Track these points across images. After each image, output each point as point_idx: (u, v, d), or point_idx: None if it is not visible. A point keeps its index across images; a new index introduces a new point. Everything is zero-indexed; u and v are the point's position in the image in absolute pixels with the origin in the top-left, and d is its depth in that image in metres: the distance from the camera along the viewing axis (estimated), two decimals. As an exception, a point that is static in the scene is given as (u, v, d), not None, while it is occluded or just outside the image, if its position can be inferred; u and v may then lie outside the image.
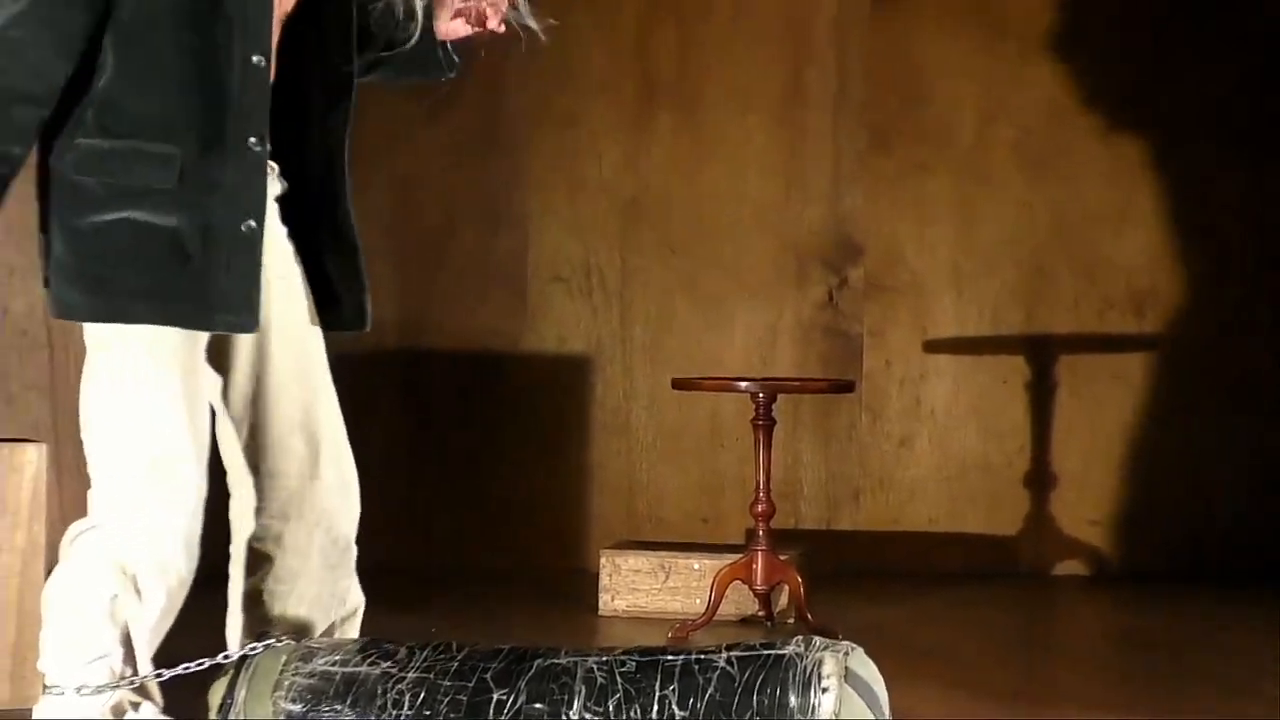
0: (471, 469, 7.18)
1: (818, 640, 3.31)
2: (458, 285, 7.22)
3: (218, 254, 3.35)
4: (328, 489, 3.59)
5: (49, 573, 4.30)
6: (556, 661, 3.32)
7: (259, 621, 3.60)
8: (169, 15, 3.33)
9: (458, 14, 3.62)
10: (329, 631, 3.63)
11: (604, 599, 6.12)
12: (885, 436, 7.26)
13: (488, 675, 3.32)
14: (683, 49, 7.27)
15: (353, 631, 3.69)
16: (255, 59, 3.39)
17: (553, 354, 7.25)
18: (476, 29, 3.63)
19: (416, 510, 7.09)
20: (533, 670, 3.32)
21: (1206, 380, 7.23)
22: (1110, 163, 7.25)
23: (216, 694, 3.40)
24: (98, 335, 3.44)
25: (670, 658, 3.31)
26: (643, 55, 7.27)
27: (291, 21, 3.48)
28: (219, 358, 3.53)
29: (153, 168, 3.32)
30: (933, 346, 7.25)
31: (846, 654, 3.27)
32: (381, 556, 7.05)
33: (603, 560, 6.17)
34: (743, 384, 5.78)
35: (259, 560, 3.60)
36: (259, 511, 3.59)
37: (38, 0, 3.26)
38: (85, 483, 6.44)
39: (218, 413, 3.57)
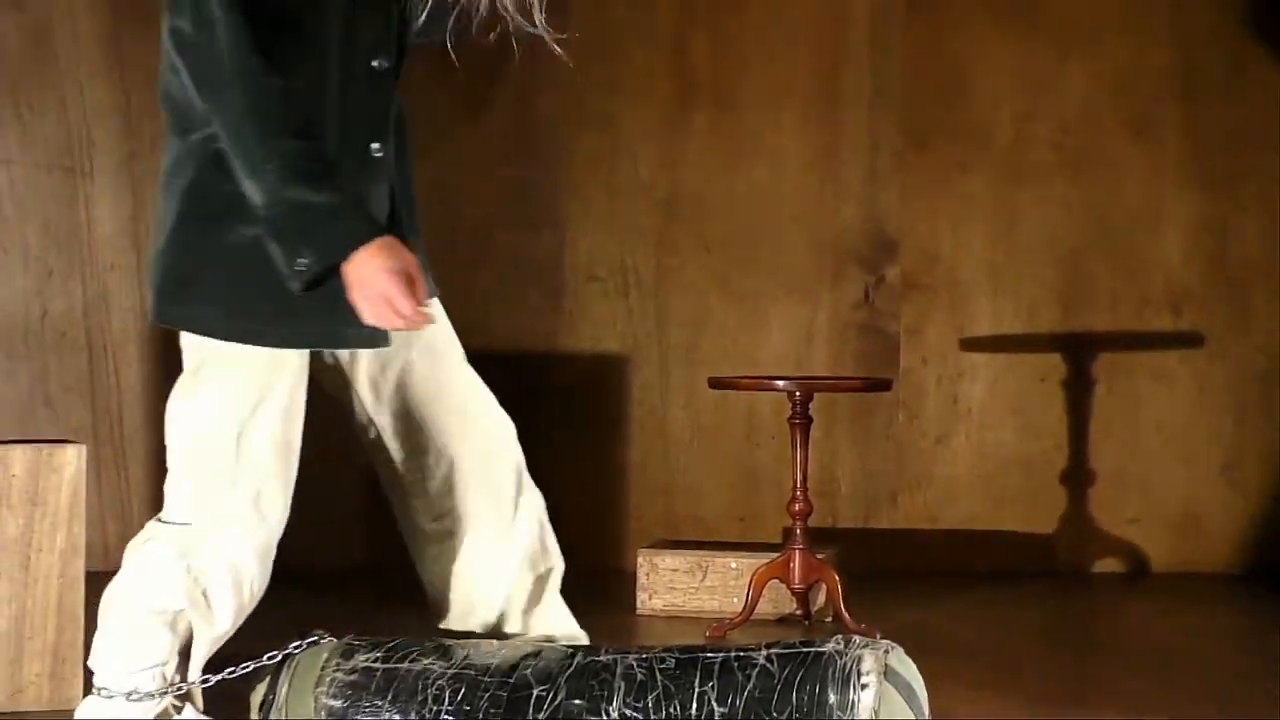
0: (508, 469, 7.19)
1: (857, 638, 3.31)
2: (494, 286, 7.22)
3: None
4: (477, 452, 3.58)
5: (88, 573, 4.32)
6: (596, 658, 3.32)
7: (447, 602, 3.59)
8: (296, 22, 3.26)
9: None
10: (526, 595, 3.62)
11: (641, 598, 6.12)
12: (922, 435, 7.25)
13: (528, 672, 3.32)
14: (718, 48, 7.26)
15: (553, 594, 3.67)
16: (376, 63, 3.34)
17: (589, 354, 7.25)
18: None
19: (454, 510, 7.09)
20: (572, 667, 3.32)
21: (1246, 379, 7.20)
22: (1148, 160, 7.23)
23: (259, 692, 3.41)
24: (203, 346, 3.37)
25: (709, 655, 3.31)
26: (678, 55, 7.26)
27: None
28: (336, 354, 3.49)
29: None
30: (970, 345, 7.24)
31: (886, 652, 3.27)
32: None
33: (640, 559, 6.17)
34: (780, 383, 5.77)
35: (430, 540, 3.59)
36: (419, 492, 3.57)
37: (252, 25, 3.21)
38: (124, 484, 6.43)
39: (356, 408, 3.54)
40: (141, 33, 7.00)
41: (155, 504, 6.71)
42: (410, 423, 3.56)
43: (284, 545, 3.58)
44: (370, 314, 3.23)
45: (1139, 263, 7.23)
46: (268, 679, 3.39)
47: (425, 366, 3.57)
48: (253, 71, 3.18)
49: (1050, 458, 7.22)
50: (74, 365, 6.98)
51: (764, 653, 3.29)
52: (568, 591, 6.68)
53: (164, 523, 3.45)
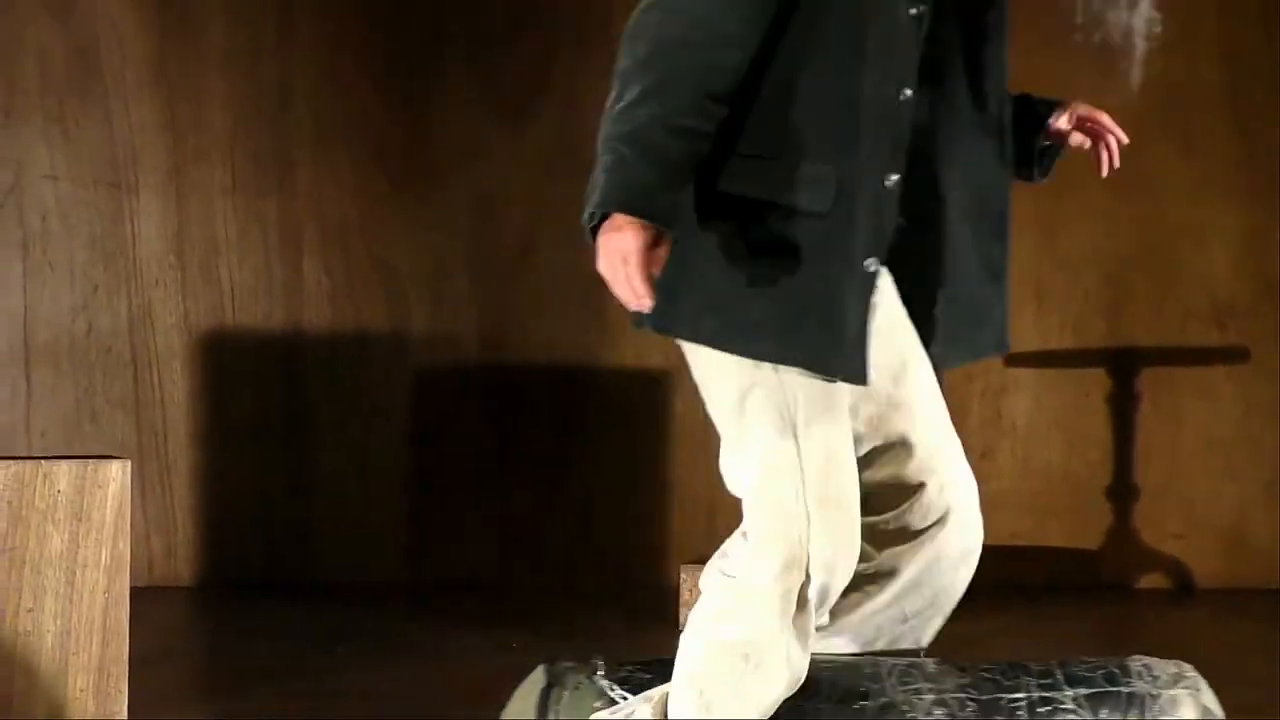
0: (551, 484, 7.19)
1: (1159, 670, 3.20)
2: (537, 300, 7.22)
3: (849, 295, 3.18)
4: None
5: (132, 589, 4.34)
6: (890, 701, 3.16)
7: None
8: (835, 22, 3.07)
9: (1078, 124, 3.55)
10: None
11: (684, 614, 6.09)
12: (966, 449, 7.17)
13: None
14: (761, 63, 7.25)
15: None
16: (905, 93, 3.15)
17: (632, 368, 7.24)
18: (1083, 146, 3.56)
19: (496, 524, 7.10)
20: (868, 712, 3.18)
21: (1291, 392, 7.18)
22: (1192, 173, 7.20)
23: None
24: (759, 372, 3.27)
25: (1010, 697, 3.18)
26: (721, 69, 7.25)
27: None
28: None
29: (809, 190, 3.10)
30: (1013, 359, 7.21)
31: (1197, 689, 3.16)
32: (462, 571, 7.08)
33: (683, 576, 6.15)
34: (823, 398, 5.75)
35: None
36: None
37: None
38: (169, 499, 6.42)
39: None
40: (186, 48, 7.02)
41: (199, 519, 6.76)
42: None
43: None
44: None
45: (1184, 277, 7.21)
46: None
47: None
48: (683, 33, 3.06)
49: (1095, 473, 7.19)
50: (119, 381, 7.00)
51: (1070, 693, 3.18)
52: (610, 607, 6.68)
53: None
